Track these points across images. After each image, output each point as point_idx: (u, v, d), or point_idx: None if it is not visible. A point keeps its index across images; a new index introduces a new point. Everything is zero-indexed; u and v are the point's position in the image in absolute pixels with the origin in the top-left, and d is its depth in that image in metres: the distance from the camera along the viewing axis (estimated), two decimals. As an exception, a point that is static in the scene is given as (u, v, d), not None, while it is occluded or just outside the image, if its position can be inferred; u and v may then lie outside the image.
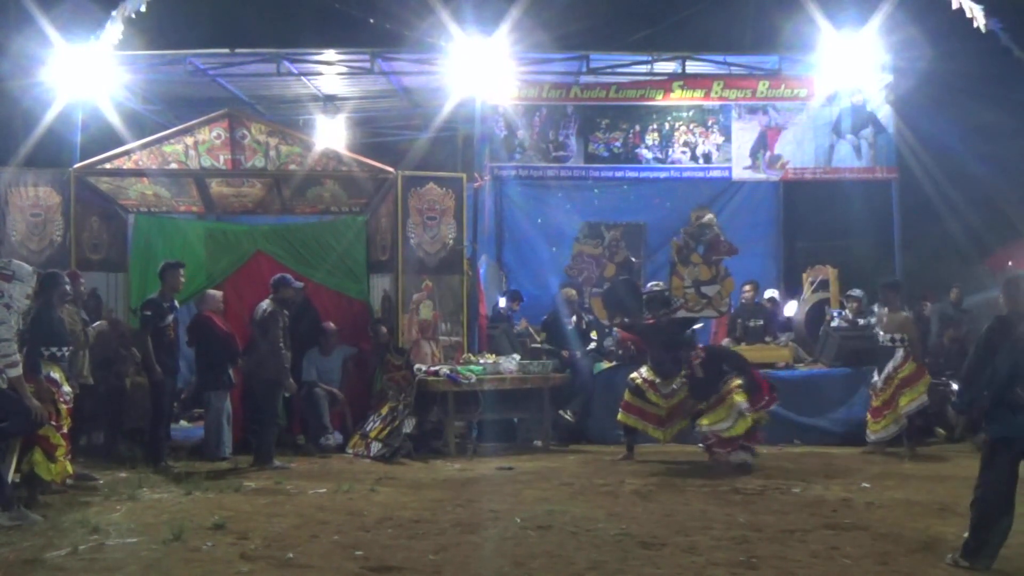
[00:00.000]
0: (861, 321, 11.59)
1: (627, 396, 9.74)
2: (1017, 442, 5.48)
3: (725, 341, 12.06)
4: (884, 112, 13.25)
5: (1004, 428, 5.52)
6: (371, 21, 15.73)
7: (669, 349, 9.59)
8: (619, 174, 13.82)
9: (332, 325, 10.65)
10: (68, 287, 7.98)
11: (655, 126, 13.64)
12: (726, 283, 9.86)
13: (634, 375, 9.81)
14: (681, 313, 9.70)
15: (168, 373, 9.20)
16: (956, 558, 5.53)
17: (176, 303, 9.56)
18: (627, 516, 6.85)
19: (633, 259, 13.30)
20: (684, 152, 13.61)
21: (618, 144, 13.63)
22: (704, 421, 9.12)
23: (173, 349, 9.34)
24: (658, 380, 9.57)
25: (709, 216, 10.04)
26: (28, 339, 7.31)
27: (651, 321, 9.69)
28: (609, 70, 13.26)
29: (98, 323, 8.86)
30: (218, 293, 10.09)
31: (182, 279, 9.50)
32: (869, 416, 10.39)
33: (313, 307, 10.74)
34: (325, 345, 10.58)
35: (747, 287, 12.20)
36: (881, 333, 10.37)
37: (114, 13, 11.89)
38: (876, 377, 10.35)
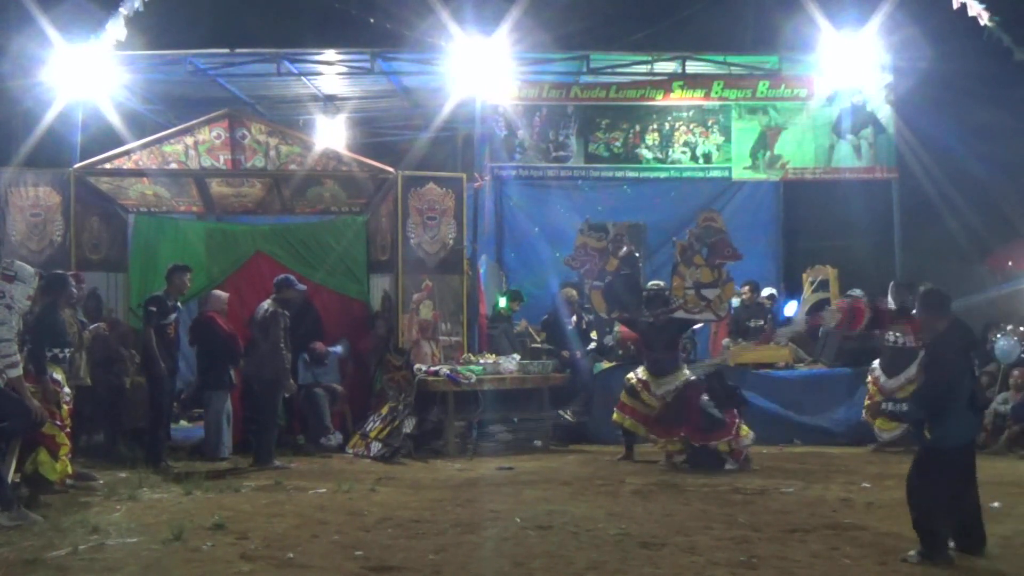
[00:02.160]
0: (861, 321, 11.58)
1: (622, 396, 9.75)
2: (971, 445, 5.65)
3: (725, 341, 12.07)
4: (884, 112, 13.25)
5: (966, 434, 5.64)
6: (371, 21, 15.73)
7: (666, 348, 9.59)
8: (619, 174, 13.82)
9: (321, 346, 10.60)
10: (74, 290, 7.99)
11: (655, 126, 13.63)
12: (727, 288, 9.89)
13: (630, 375, 9.81)
14: (680, 313, 9.71)
15: (167, 372, 9.20)
16: (917, 557, 5.58)
17: (179, 304, 9.58)
18: (627, 516, 6.85)
19: (637, 254, 13.27)
20: (684, 152, 13.60)
21: (618, 144, 13.62)
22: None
23: (172, 348, 9.34)
24: (652, 380, 9.57)
25: (718, 219, 10.07)
26: (32, 340, 7.32)
27: (650, 320, 9.71)
28: (609, 70, 13.26)
29: (95, 325, 8.87)
30: (223, 294, 10.09)
31: (188, 282, 9.53)
32: (878, 416, 10.34)
33: (314, 309, 10.72)
34: (314, 360, 10.55)
35: (745, 288, 12.19)
36: (898, 335, 10.24)
37: (120, 11, 11.87)
38: (883, 377, 10.31)
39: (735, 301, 11.74)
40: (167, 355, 9.18)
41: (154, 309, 9.13)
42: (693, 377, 9.57)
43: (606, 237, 12.20)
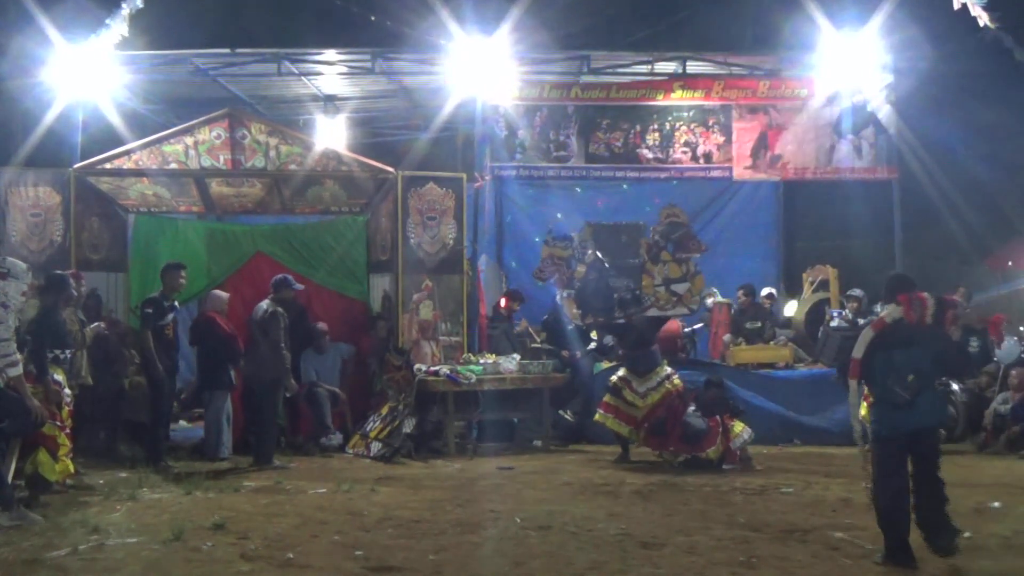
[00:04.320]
0: (861, 321, 11.57)
1: (606, 397, 9.75)
2: (900, 439, 5.61)
3: (726, 338, 12.07)
4: (884, 112, 13.25)
5: (887, 426, 5.69)
6: (372, 20, 15.73)
7: (642, 346, 9.61)
8: (619, 174, 13.82)
9: (323, 325, 10.62)
10: (74, 291, 7.97)
11: (656, 126, 13.65)
12: (696, 280, 9.95)
13: (612, 376, 9.84)
14: (653, 311, 9.73)
15: (166, 372, 9.19)
16: (880, 557, 5.60)
17: (176, 304, 9.54)
18: (627, 516, 6.85)
19: (599, 255, 13.28)
20: (685, 152, 13.61)
21: (619, 144, 13.63)
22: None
23: (171, 349, 9.32)
24: (633, 379, 9.58)
25: (681, 214, 10.12)
26: (33, 341, 7.31)
27: (624, 320, 9.73)
28: (610, 70, 13.26)
29: (95, 324, 8.87)
30: (224, 294, 10.08)
31: (182, 280, 9.48)
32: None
33: (307, 318, 10.67)
34: (318, 345, 10.56)
35: (739, 292, 12.21)
36: None
37: (122, 10, 11.87)
38: None
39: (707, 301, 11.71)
40: (165, 356, 9.16)
41: (150, 311, 9.11)
42: (675, 374, 9.57)
43: (571, 244, 12.28)
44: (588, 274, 12.82)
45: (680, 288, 9.72)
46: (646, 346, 9.63)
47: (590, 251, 13.14)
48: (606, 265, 12.97)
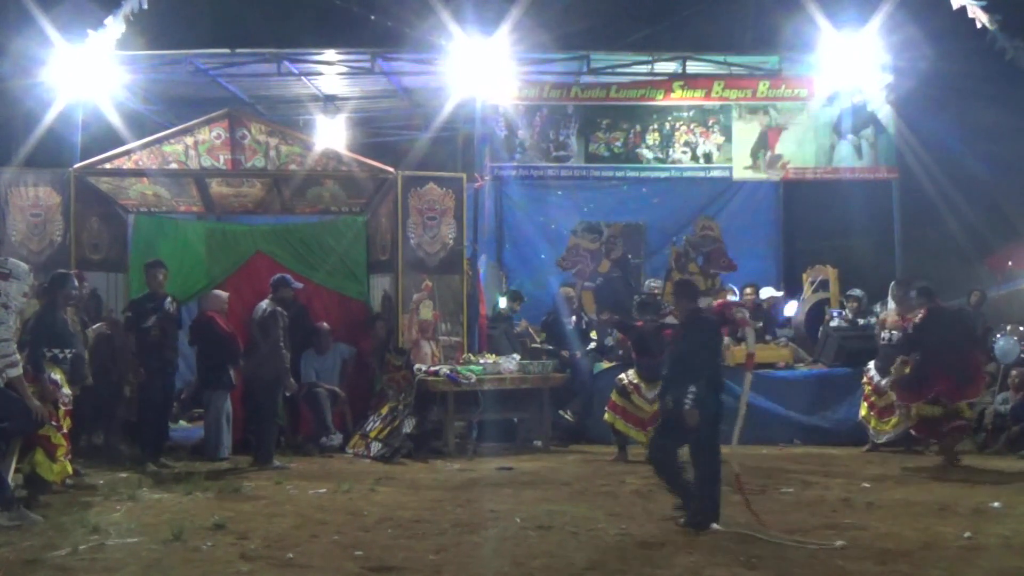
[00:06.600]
0: (861, 321, 11.58)
1: (613, 396, 9.76)
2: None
3: (725, 340, 12.05)
4: (884, 112, 13.26)
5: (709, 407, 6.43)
6: (372, 19, 15.73)
7: (655, 354, 9.58)
8: (619, 174, 13.82)
9: (325, 325, 10.64)
10: (75, 290, 7.96)
11: (656, 126, 13.65)
12: (719, 296, 9.86)
13: (621, 376, 9.83)
14: (670, 319, 9.71)
15: (153, 374, 9.15)
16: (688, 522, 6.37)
17: (168, 304, 9.42)
18: (627, 516, 6.85)
19: (630, 256, 13.29)
20: (685, 152, 13.61)
21: (619, 144, 13.63)
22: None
23: (156, 350, 9.24)
24: (643, 384, 9.57)
25: (715, 228, 10.08)
26: (30, 339, 7.30)
27: (639, 324, 9.71)
28: (609, 70, 13.25)
29: (97, 325, 8.85)
30: (223, 294, 10.08)
31: (162, 278, 9.42)
32: (874, 416, 10.31)
33: (307, 312, 10.69)
34: (320, 345, 10.57)
35: (748, 289, 12.18)
36: (893, 332, 10.20)
37: (121, 9, 11.87)
38: (876, 376, 10.29)
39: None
40: (152, 358, 9.10)
41: (130, 314, 9.12)
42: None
43: (600, 239, 12.26)
44: (612, 271, 12.85)
45: (702, 302, 9.72)
46: (661, 354, 9.60)
47: (618, 249, 13.16)
48: (632, 264, 12.99)
